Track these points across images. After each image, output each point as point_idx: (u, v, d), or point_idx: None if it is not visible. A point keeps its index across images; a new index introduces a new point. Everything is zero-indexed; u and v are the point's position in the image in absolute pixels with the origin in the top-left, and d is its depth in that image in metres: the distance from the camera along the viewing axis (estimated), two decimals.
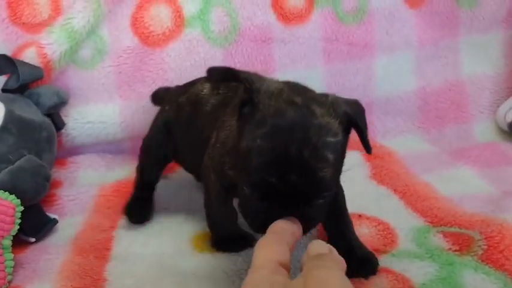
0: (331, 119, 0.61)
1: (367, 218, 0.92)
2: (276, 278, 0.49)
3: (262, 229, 0.60)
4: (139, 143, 1.21)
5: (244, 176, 0.62)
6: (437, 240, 0.86)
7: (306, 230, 0.63)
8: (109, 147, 1.23)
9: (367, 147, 0.69)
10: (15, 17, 1.15)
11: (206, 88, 0.89)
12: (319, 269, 0.49)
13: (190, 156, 0.92)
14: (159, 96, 1.07)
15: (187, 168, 1.01)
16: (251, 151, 0.60)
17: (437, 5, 1.28)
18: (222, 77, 0.69)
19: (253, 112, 0.62)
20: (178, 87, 1.01)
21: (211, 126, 0.82)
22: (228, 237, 0.86)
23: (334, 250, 0.54)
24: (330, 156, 0.59)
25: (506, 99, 1.30)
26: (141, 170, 1.01)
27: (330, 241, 0.79)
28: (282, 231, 0.57)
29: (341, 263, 0.52)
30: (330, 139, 0.60)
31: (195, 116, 0.88)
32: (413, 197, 1.01)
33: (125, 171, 1.20)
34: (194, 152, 0.88)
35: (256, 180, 0.60)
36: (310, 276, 0.48)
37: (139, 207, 0.99)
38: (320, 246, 0.53)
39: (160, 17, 1.16)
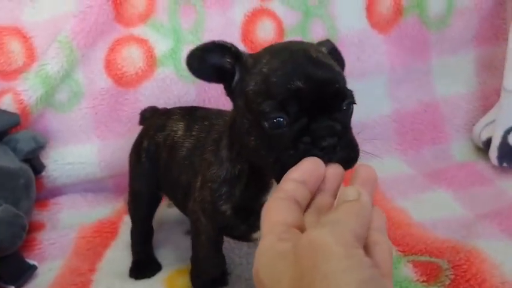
0: (318, 45, 0.66)
1: None
2: (281, 246, 0.43)
3: (294, 160, 0.53)
4: (120, 181, 1.24)
5: (262, 109, 0.58)
6: (406, 270, 0.87)
7: (354, 156, 0.58)
8: (90, 186, 1.25)
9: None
10: None
11: (180, 129, 0.89)
12: (320, 227, 0.43)
13: (173, 195, 0.93)
14: (145, 117, 1.04)
15: (175, 204, 0.98)
16: (263, 82, 0.59)
17: (405, 29, 1.30)
18: (199, 62, 0.65)
19: (244, 74, 0.63)
20: (159, 114, 1.00)
21: (188, 171, 0.82)
22: (210, 279, 0.88)
23: (365, 195, 0.47)
24: (333, 60, 0.62)
25: (481, 118, 1.31)
26: (134, 214, 1.01)
27: None
28: (293, 187, 0.49)
29: (360, 217, 0.45)
30: (323, 49, 0.64)
31: (170, 162, 0.88)
32: (387, 224, 1.02)
33: (107, 209, 1.22)
34: (175, 193, 0.89)
35: (281, 94, 0.57)
36: (304, 236, 0.43)
37: (142, 263, 0.98)
38: (349, 191, 0.48)
39: (132, 57, 1.18)
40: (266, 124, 0.58)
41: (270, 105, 0.57)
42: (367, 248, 0.45)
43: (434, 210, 1.09)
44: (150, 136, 0.95)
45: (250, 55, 0.65)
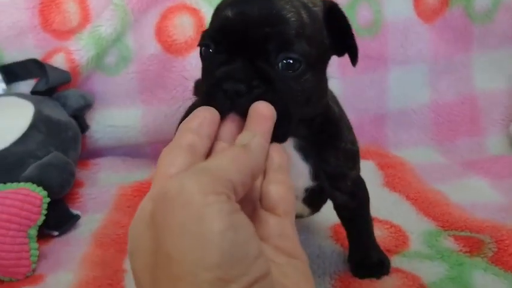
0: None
1: (380, 221, 0.95)
2: (147, 205, 0.39)
3: (208, 96, 0.50)
4: (159, 148, 1.25)
5: (201, 35, 0.56)
6: (448, 242, 0.88)
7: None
8: (130, 151, 1.28)
9: (353, 47, 0.60)
10: (46, 24, 1.21)
11: None
12: (181, 176, 0.38)
13: None
14: (199, 87, 1.02)
15: None
16: (214, 12, 0.57)
17: (450, 20, 1.32)
18: None
19: None
20: None
21: None
22: None
23: (256, 138, 0.44)
24: (300, 11, 0.54)
25: None
26: None
27: (348, 240, 0.81)
28: (189, 137, 0.43)
29: (239, 162, 0.41)
30: (305, 1, 0.56)
31: None
32: (425, 203, 1.03)
33: (145, 174, 1.24)
34: None
35: (214, 22, 0.55)
36: (160, 188, 0.39)
37: None
38: (241, 137, 0.44)
39: (183, 26, 1.21)
40: (200, 50, 0.56)
41: (206, 32, 0.56)
42: (262, 189, 0.44)
43: (472, 195, 1.09)
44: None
45: None
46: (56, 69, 1.16)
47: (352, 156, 0.71)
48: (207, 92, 0.51)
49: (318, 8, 0.57)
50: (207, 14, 1.22)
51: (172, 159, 0.42)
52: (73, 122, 1.12)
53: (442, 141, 1.35)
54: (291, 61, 0.52)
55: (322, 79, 0.60)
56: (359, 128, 1.28)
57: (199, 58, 1.25)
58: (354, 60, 0.61)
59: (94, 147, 1.26)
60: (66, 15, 1.20)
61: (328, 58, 0.60)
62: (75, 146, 1.08)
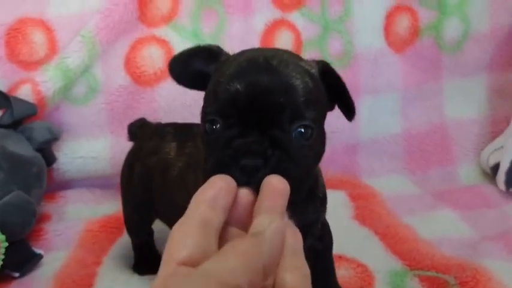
0: (303, 61, 0.58)
1: (347, 260, 0.94)
2: None
3: (221, 169, 0.49)
4: None
5: (205, 110, 0.54)
6: (413, 283, 0.87)
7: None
8: (98, 182, 1.26)
9: (349, 104, 0.59)
10: (12, 55, 1.19)
11: (173, 150, 0.83)
12: (182, 279, 0.37)
13: (167, 220, 0.87)
14: (133, 132, 0.97)
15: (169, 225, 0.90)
16: (214, 83, 0.54)
17: (421, 50, 1.32)
18: (182, 65, 0.60)
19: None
20: (151, 132, 0.92)
21: (181, 191, 0.76)
22: None
23: (273, 224, 0.41)
24: (305, 77, 0.54)
25: (489, 143, 1.33)
26: (130, 233, 0.98)
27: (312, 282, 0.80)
28: (203, 210, 0.42)
29: (251, 258, 0.38)
30: (302, 64, 0.56)
31: (163, 183, 0.83)
32: (394, 239, 1.03)
33: (114, 206, 1.22)
34: (170, 218, 0.83)
35: (221, 95, 0.52)
36: None
37: (144, 261, 0.96)
38: (257, 222, 0.42)
39: (152, 57, 1.21)
40: (205, 127, 0.54)
41: (210, 107, 0.53)
42: (277, 276, 0.41)
43: (441, 228, 1.09)
44: (141, 161, 0.89)
45: (228, 57, 0.59)
46: (21, 101, 1.14)
47: (325, 200, 0.71)
48: (219, 163, 0.50)
49: (315, 70, 0.57)
50: (176, 46, 1.21)
51: (184, 239, 0.40)
52: (38, 156, 1.09)
53: (414, 170, 1.35)
54: (303, 129, 0.52)
55: (324, 136, 0.59)
56: (331, 157, 1.28)
57: (170, 90, 1.23)
58: (350, 116, 0.60)
59: (62, 180, 1.24)
60: (33, 46, 1.19)
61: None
62: (40, 183, 1.06)
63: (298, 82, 0.53)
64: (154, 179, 0.86)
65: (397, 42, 1.31)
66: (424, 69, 1.34)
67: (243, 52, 0.58)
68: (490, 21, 1.31)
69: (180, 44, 1.21)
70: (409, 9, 1.30)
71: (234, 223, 0.45)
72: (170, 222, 0.82)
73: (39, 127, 1.13)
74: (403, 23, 1.31)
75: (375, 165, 1.34)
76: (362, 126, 1.34)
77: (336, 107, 0.61)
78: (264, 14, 1.24)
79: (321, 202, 0.69)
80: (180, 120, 1.21)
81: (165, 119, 1.21)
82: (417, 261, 0.94)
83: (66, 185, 1.25)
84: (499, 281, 0.84)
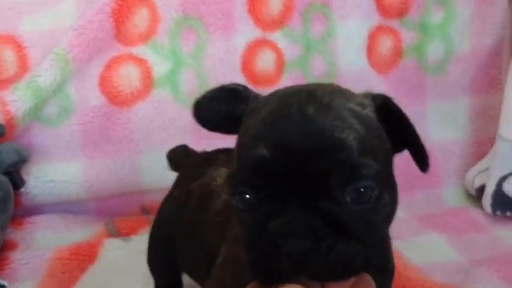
0: (352, 100, 0.45)
1: None
2: None
3: (265, 267, 0.40)
4: (103, 203, 1.19)
5: (230, 178, 0.45)
6: None
7: (338, 272, 0.40)
8: (71, 207, 1.20)
9: (421, 153, 0.49)
10: None
11: (221, 176, 0.69)
12: None
13: (194, 268, 0.73)
14: (174, 160, 0.86)
15: (191, 276, 0.78)
16: (239, 141, 0.45)
17: (404, 71, 1.31)
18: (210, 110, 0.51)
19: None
20: (198, 160, 0.80)
21: (217, 233, 0.62)
22: None
23: None
24: (354, 123, 0.42)
25: (473, 164, 1.31)
26: (152, 270, 0.85)
27: None
28: None
29: None
30: (350, 105, 0.44)
31: (200, 216, 0.69)
32: None
33: (87, 232, 1.16)
34: (197, 265, 0.70)
35: (245, 162, 0.42)
36: None
37: None
38: None
39: (129, 77, 1.17)
40: (234, 200, 0.44)
41: (235, 177, 0.43)
42: None
43: (429, 254, 1.05)
44: (181, 187, 0.77)
45: (257, 98, 0.49)
46: None
47: (393, 274, 0.57)
48: (257, 257, 0.41)
49: (369, 109, 0.45)
50: (154, 65, 1.18)
51: None
52: (4, 180, 1.03)
53: (400, 193, 1.32)
54: (362, 190, 0.41)
55: (395, 189, 0.47)
56: None
57: (147, 110, 1.19)
58: (424, 164, 0.49)
59: (31, 204, 1.17)
60: (2, 64, 1.15)
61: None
62: (5, 208, 1.00)
63: (346, 133, 0.41)
64: (187, 208, 0.72)
65: (380, 63, 1.30)
66: (408, 91, 1.32)
67: (274, 94, 0.47)
68: (470, 43, 1.31)
69: (159, 63, 1.18)
70: (392, 30, 1.29)
71: None
72: (197, 272, 0.71)
73: (6, 149, 1.08)
74: (385, 44, 1.30)
75: None
76: None
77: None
78: (245, 34, 1.22)
79: (390, 277, 0.55)
80: (158, 142, 1.17)
81: (141, 141, 1.17)
82: None
83: (36, 210, 1.18)
84: None
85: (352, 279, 0.42)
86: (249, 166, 0.42)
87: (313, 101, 0.42)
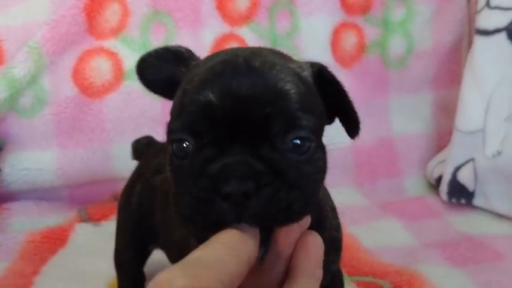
0: (292, 62, 0.48)
1: None
2: None
3: (191, 211, 0.41)
4: (75, 191, 1.23)
5: (169, 127, 0.45)
6: None
7: (281, 217, 0.42)
8: (44, 194, 1.24)
9: (352, 117, 0.51)
10: None
11: None
12: None
13: (168, 253, 0.74)
14: (138, 149, 0.87)
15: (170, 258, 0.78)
16: (181, 92, 0.45)
17: (367, 65, 1.36)
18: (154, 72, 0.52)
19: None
20: (157, 149, 0.79)
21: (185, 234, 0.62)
22: None
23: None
24: (295, 80, 0.44)
25: (434, 156, 1.37)
26: (119, 274, 0.85)
27: None
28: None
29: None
30: (291, 65, 0.46)
31: (167, 205, 0.66)
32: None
33: (59, 217, 1.20)
34: (169, 251, 0.72)
35: (189, 108, 0.43)
36: None
37: None
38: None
39: (100, 69, 1.21)
40: (171, 148, 0.44)
41: (175, 123, 0.44)
42: None
43: (384, 238, 1.11)
44: (145, 179, 0.77)
45: (197, 61, 0.51)
46: None
47: (337, 247, 0.60)
48: (197, 200, 0.41)
49: (307, 73, 0.48)
50: (125, 58, 1.22)
51: None
52: None
53: (363, 182, 1.38)
54: (299, 141, 0.43)
55: (325, 152, 0.49)
56: None
57: (117, 101, 1.21)
58: (354, 130, 0.51)
59: (6, 191, 1.22)
60: None
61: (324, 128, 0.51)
62: None
63: (288, 86, 0.43)
64: (157, 200, 0.72)
65: (345, 58, 1.35)
66: (371, 85, 1.38)
67: (216, 54, 0.49)
68: (432, 39, 1.36)
69: (129, 56, 1.22)
70: (355, 26, 1.35)
71: None
72: (170, 255, 0.73)
73: None
74: (350, 40, 1.35)
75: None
76: None
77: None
78: (213, 28, 1.26)
79: (330, 247, 0.53)
80: (128, 132, 1.22)
81: (112, 131, 1.22)
82: (356, 269, 0.95)
83: (11, 197, 1.22)
84: (433, 284, 0.86)
85: (298, 232, 0.45)
86: (194, 110, 0.42)
87: (258, 57, 0.45)
